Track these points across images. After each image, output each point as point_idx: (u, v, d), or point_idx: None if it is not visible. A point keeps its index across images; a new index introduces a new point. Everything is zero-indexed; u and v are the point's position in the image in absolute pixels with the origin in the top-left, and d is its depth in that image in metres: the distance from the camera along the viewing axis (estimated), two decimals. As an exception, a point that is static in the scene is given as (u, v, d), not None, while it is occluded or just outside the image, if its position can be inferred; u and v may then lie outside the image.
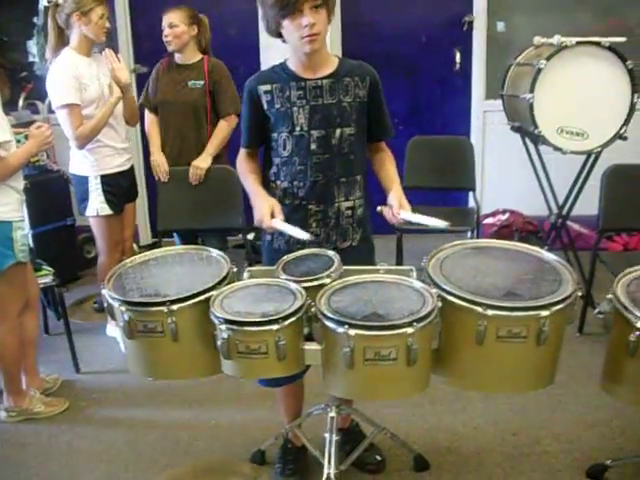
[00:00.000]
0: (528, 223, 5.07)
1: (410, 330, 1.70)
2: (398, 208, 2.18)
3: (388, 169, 2.41)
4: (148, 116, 4.02)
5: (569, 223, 4.46)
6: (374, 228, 2.50)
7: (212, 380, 2.16)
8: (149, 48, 4.04)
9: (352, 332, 1.70)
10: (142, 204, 5.31)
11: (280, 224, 2.15)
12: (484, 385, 2.00)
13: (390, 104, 2.44)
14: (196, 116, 3.92)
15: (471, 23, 5.18)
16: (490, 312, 1.75)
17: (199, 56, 3.96)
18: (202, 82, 3.90)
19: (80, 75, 3.42)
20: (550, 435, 2.90)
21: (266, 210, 2.17)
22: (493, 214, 5.15)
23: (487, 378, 1.92)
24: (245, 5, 5.07)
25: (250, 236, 4.83)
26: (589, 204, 3.95)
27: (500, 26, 5.27)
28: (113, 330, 3.85)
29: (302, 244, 2.26)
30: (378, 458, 2.72)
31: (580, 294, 1.89)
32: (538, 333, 1.78)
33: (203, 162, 3.82)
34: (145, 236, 5.67)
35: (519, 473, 2.69)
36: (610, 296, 1.93)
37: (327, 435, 2.39)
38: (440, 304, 1.80)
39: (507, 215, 5.11)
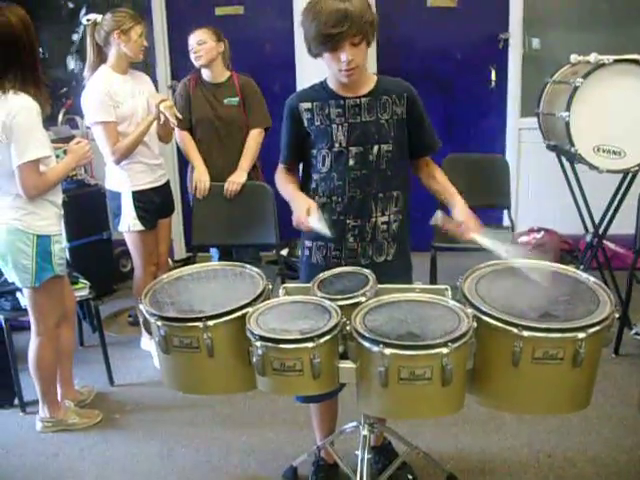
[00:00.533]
0: (564, 242, 5.03)
1: (445, 350, 1.70)
2: (469, 229, 2.20)
3: (440, 181, 2.43)
4: (180, 133, 4.01)
5: (605, 242, 4.42)
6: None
7: (245, 396, 2.17)
8: (186, 65, 4.09)
9: (387, 351, 1.70)
10: (177, 219, 5.35)
11: (314, 222, 2.17)
12: (519, 406, 2.00)
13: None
14: (236, 132, 3.98)
15: (507, 41, 5.17)
16: (526, 333, 1.75)
17: (228, 73, 4.02)
18: (237, 98, 3.96)
19: (114, 92, 3.48)
20: (585, 458, 2.87)
21: (303, 209, 2.20)
22: (528, 232, 5.10)
23: (522, 399, 1.91)
24: (281, 24, 5.14)
25: (284, 252, 4.86)
26: (626, 223, 3.94)
27: (535, 43, 5.25)
28: (147, 343, 3.89)
29: (339, 259, 2.30)
30: (410, 477, 2.71)
31: (617, 315, 1.87)
32: (574, 355, 1.77)
33: (239, 177, 3.86)
34: (179, 251, 5.71)
35: (553, 496, 2.67)
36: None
37: (359, 453, 2.37)
38: (475, 324, 1.80)
39: (542, 234, 5.07)
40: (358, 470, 2.36)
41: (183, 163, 4.59)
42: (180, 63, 5.19)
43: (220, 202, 3.86)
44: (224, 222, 3.86)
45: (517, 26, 5.14)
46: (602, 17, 5.12)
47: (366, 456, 2.37)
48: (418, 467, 2.76)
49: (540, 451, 2.92)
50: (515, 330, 1.75)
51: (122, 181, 3.64)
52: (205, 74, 4.00)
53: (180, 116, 3.56)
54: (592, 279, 2.02)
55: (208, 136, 3.99)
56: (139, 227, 3.67)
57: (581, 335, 1.75)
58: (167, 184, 3.87)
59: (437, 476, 2.74)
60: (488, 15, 5.22)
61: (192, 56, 3.92)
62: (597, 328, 1.78)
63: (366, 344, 1.75)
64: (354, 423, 2.52)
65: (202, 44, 3.86)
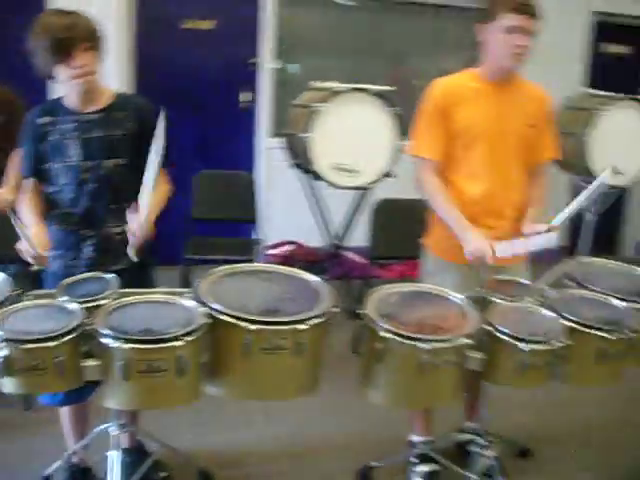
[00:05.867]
0: (310, 254, 5.37)
1: (179, 343, 1.89)
2: None
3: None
4: None
5: (345, 253, 4.85)
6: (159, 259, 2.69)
7: None
8: None
9: (126, 346, 1.86)
10: None
11: None
12: (255, 394, 2.20)
13: (178, 139, 2.63)
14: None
15: (256, 65, 5.49)
16: (254, 327, 1.96)
17: None
18: None
19: None
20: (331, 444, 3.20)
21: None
22: (276, 245, 5.42)
23: (256, 387, 2.12)
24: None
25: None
26: (365, 237, 4.33)
27: (294, 69, 5.66)
28: None
29: (76, 267, 2.42)
30: (162, 475, 2.83)
31: (336, 310, 2.14)
32: (297, 344, 2.01)
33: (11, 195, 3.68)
34: None
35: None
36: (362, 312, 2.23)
37: (110, 454, 2.45)
38: (209, 320, 2.00)
39: (292, 247, 5.42)
40: (111, 471, 2.43)
41: None
42: None
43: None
44: None
45: (267, 52, 5.48)
46: (351, 47, 5.67)
47: (118, 457, 2.44)
48: (171, 465, 2.89)
49: (286, 443, 3.21)
50: (244, 324, 1.96)
51: None
52: None
53: None
54: (316, 279, 2.30)
55: None
56: None
57: (301, 327, 2.00)
58: None
59: (190, 472, 2.88)
60: (241, 39, 5.48)
61: None
62: (316, 321, 2.04)
63: (106, 341, 1.89)
64: (105, 425, 2.60)
65: None
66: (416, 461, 2.94)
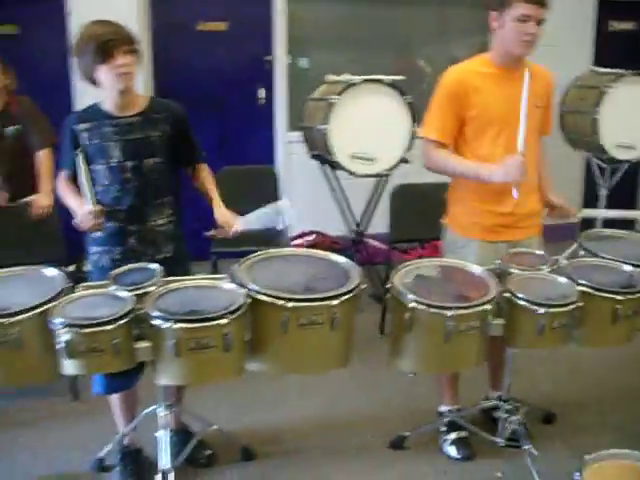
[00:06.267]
0: (334, 242, 5.55)
1: (224, 321, 2.07)
2: None
3: (205, 184, 2.86)
4: None
5: (367, 240, 5.01)
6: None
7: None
8: None
9: (176, 326, 2.05)
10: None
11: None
12: (294, 367, 2.40)
13: (201, 137, 2.83)
14: (20, 158, 3.94)
15: (271, 62, 5.67)
16: (291, 304, 2.14)
17: (3, 100, 3.90)
18: (17, 127, 3.91)
19: None
20: (361, 418, 3.38)
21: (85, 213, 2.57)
22: (301, 236, 5.59)
23: (295, 361, 2.30)
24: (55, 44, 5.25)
25: (71, 268, 4.95)
26: (385, 222, 4.46)
27: (304, 63, 5.81)
28: None
29: (122, 260, 2.60)
30: (207, 452, 3.03)
31: (364, 286, 2.32)
32: (331, 319, 2.18)
33: (45, 201, 3.85)
34: None
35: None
36: (389, 285, 2.41)
37: (159, 434, 2.64)
38: (249, 301, 2.17)
39: (314, 236, 5.57)
40: (160, 450, 2.63)
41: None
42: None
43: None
44: (8, 245, 3.75)
45: (280, 49, 5.64)
46: (359, 39, 5.81)
47: (166, 436, 2.64)
48: (215, 444, 3.07)
49: (320, 419, 3.38)
50: (282, 302, 2.14)
51: None
52: None
53: None
54: (345, 260, 2.48)
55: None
56: None
57: (334, 302, 2.17)
58: None
59: (233, 450, 3.06)
60: (255, 39, 5.66)
61: None
62: (347, 297, 2.21)
63: (158, 322, 2.08)
64: (153, 406, 2.75)
65: None
66: (445, 429, 3.11)
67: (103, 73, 2.52)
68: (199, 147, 2.86)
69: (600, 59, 6.11)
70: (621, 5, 6.34)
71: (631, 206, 6.84)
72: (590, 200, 5.47)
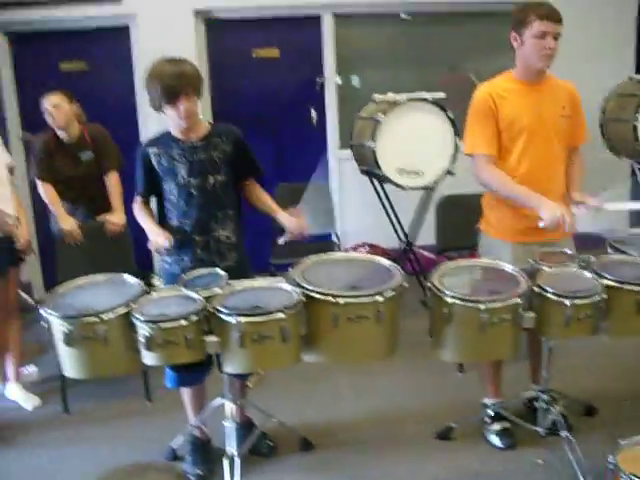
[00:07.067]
0: (386, 254, 5.75)
1: (281, 315, 2.38)
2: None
3: (262, 199, 3.16)
4: (45, 186, 4.26)
5: (417, 250, 5.25)
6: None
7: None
8: (35, 119, 4.40)
9: (241, 320, 2.36)
10: (32, 260, 5.27)
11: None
12: (344, 358, 2.72)
13: (259, 156, 3.14)
14: (92, 181, 4.33)
15: (322, 84, 5.96)
16: (341, 300, 2.43)
17: (78, 128, 4.31)
18: (90, 152, 4.30)
19: None
20: (415, 419, 3.61)
21: (159, 237, 2.92)
22: (354, 248, 5.84)
23: (345, 352, 2.59)
24: (122, 78, 5.67)
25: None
26: (432, 232, 4.69)
27: (355, 82, 6.09)
28: (14, 392, 3.95)
29: (190, 269, 2.86)
30: (269, 444, 3.29)
31: (406, 285, 2.58)
32: (377, 314, 2.46)
33: (119, 219, 4.24)
34: (40, 290, 5.76)
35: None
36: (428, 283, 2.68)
37: (226, 423, 2.93)
38: (304, 298, 2.47)
39: (368, 248, 5.83)
40: (227, 440, 2.93)
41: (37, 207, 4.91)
42: (31, 115, 5.34)
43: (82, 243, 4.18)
44: (86, 259, 4.16)
45: (330, 70, 5.94)
46: (408, 56, 6.10)
47: (232, 427, 2.93)
48: (275, 436, 3.34)
49: (371, 414, 3.63)
50: (333, 299, 2.43)
51: None
52: (61, 134, 4.25)
53: None
54: (389, 262, 2.76)
55: (71, 191, 4.31)
56: None
57: (380, 298, 2.45)
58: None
59: (292, 442, 3.32)
60: (306, 63, 5.97)
61: (48, 119, 4.18)
62: (391, 293, 2.49)
63: (226, 317, 2.40)
64: (221, 400, 3.01)
65: (57, 107, 4.14)
66: (489, 420, 3.32)
67: (168, 111, 2.84)
68: (259, 163, 3.15)
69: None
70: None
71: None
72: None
